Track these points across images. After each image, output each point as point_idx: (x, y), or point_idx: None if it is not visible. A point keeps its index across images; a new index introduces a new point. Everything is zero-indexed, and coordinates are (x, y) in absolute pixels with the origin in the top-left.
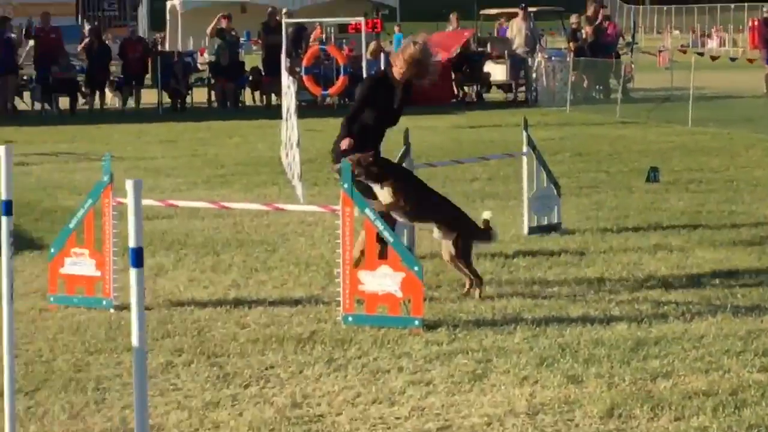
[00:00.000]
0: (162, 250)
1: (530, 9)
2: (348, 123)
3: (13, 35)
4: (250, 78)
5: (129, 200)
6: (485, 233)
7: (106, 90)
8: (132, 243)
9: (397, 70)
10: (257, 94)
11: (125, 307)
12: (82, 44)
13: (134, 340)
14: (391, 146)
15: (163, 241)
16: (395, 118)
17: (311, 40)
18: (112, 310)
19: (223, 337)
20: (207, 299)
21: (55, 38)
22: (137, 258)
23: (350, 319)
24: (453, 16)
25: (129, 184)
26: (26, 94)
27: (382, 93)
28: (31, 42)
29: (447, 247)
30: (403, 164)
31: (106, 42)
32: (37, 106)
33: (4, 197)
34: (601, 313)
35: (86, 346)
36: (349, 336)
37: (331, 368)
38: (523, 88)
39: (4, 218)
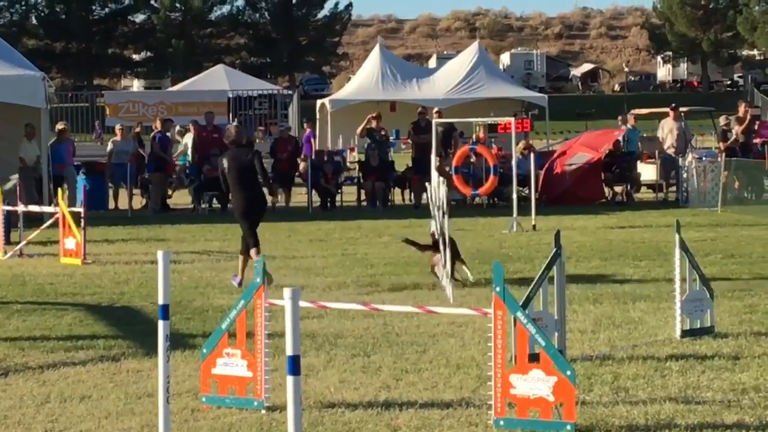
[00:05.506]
0: (312, 350)
1: (681, 109)
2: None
3: (168, 134)
4: (400, 177)
5: (286, 308)
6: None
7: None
8: (289, 350)
9: None
10: (406, 192)
11: (277, 408)
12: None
13: None
14: (542, 248)
15: (314, 342)
16: None
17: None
18: (263, 411)
19: None
20: (358, 401)
21: (218, 138)
22: (294, 366)
23: (502, 423)
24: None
25: (287, 293)
26: (178, 192)
27: None
28: (185, 140)
29: None
30: (554, 266)
31: (257, 140)
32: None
33: (161, 301)
34: (756, 420)
35: None
36: None
37: None
38: (673, 188)
39: (161, 322)
